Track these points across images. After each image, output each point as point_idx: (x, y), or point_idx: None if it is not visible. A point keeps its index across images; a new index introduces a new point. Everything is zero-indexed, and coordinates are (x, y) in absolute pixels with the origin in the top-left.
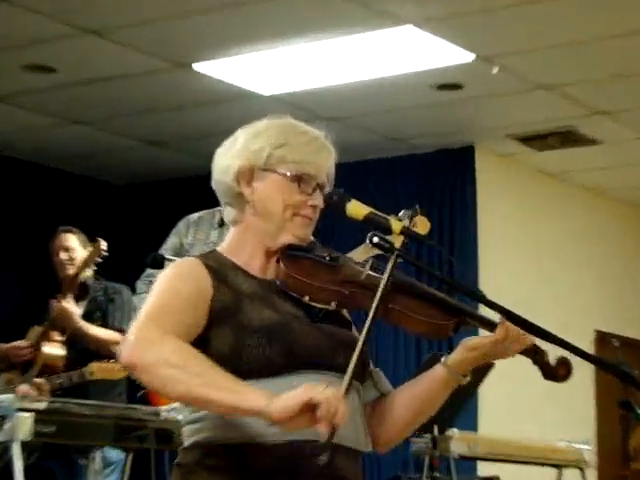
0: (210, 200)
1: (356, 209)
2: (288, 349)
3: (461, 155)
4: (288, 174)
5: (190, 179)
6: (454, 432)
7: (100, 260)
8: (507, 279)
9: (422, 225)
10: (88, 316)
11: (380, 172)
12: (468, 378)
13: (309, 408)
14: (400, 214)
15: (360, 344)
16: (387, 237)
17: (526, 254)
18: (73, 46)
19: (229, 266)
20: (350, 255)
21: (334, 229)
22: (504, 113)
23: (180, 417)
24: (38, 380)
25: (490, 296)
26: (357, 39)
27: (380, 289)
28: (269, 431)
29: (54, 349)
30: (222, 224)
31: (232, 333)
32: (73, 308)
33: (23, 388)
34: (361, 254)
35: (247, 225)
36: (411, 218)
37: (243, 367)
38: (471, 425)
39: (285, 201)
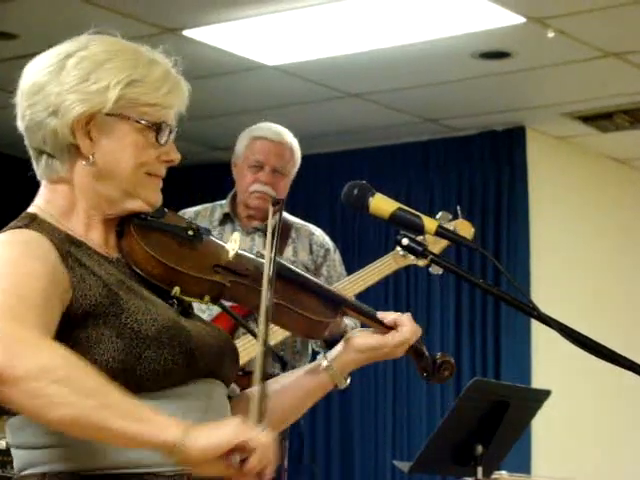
0: (206, 192)
1: (381, 205)
2: (190, 357)
3: (509, 138)
4: (144, 122)
5: (182, 168)
6: (502, 475)
7: None
8: (564, 287)
9: (465, 229)
10: None
11: (411, 159)
12: (348, 382)
13: (232, 451)
14: (438, 216)
15: (261, 361)
16: (419, 238)
17: (588, 257)
18: (39, 7)
19: (69, 241)
20: (377, 265)
21: (354, 229)
22: (561, 87)
23: (11, 441)
24: None
25: (546, 308)
26: None
27: (267, 274)
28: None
29: None
30: (223, 222)
31: (119, 339)
32: None
33: None
34: (389, 264)
35: (78, 186)
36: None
37: (133, 381)
38: (523, 466)
39: (138, 157)
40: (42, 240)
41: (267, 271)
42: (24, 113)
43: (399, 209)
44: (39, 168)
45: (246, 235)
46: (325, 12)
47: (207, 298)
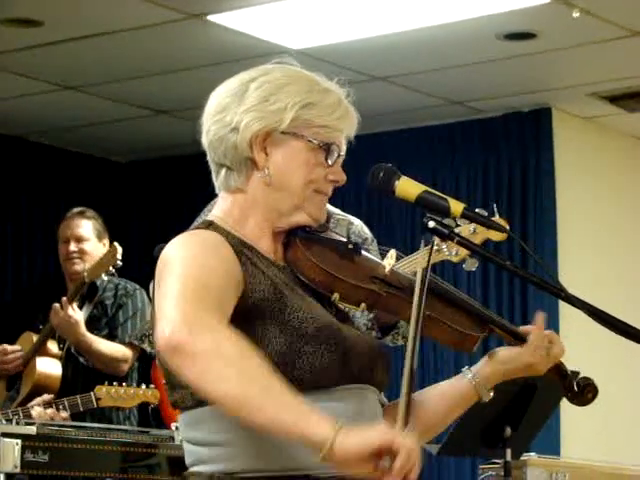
0: None
1: (407, 188)
2: (345, 359)
3: (535, 119)
4: (315, 142)
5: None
6: (532, 457)
7: (113, 270)
8: (591, 268)
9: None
10: (92, 323)
11: (437, 141)
12: (492, 394)
13: (379, 453)
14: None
15: (409, 368)
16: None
17: (615, 237)
18: None
19: (242, 244)
20: (410, 259)
21: (381, 213)
22: (587, 67)
23: (182, 435)
24: (48, 397)
25: (574, 290)
26: None
27: (418, 290)
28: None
29: (50, 366)
30: None
31: (282, 334)
32: (78, 316)
33: (38, 409)
34: (423, 258)
35: (252, 196)
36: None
37: (292, 376)
38: (552, 448)
39: (309, 174)
40: (218, 238)
41: (418, 289)
42: (208, 129)
43: (425, 192)
44: (218, 180)
45: None
46: None
47: (363, 306)
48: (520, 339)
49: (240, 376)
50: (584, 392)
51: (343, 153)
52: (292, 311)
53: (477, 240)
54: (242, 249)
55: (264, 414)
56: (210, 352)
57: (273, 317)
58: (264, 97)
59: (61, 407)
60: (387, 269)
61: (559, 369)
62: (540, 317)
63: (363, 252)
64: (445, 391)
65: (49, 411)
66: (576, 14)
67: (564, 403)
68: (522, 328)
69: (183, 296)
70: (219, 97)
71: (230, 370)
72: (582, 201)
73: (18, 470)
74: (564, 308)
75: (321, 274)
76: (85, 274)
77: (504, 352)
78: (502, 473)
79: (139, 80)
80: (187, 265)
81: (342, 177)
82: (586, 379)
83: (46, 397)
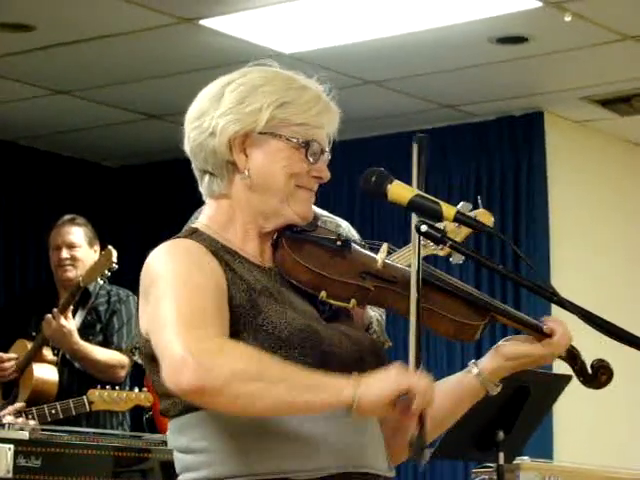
0: None
1: (399, 192)
2: (321, 361)
3: (528, 123)
4: (294, 140)
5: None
6: (524, 461)
7: (108, 273)
8: (584, 272)
9: (485, 219)
10: (86, 329)
11: (429, 145)
12: (500, 388)
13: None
14: (458, 207)
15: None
16: (438, 225)
17: (607, 241)
18: None
19: (225, 251)
20: (397, 255)
21: (373, 217)
22: (579, 71)
23: (170, 443)
24: (19, 405)
25: (566, 294)
26: None
27: (414, 282)
28: (303, 463)
29: (47, 372)
30: None
31: (255, 341)
32: (71, 325)
33: (8, 418)
34: (410, 254)
35: (237, 200)
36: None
37: None
38: (545, 452)
39: (289, 169)
40: (199, 247)
41: (414, 281)
42: (189, 136)
43: (417, 196)
44: (203, 187)
45: None
46: None
47: (353, 302)
48: (535, 330)
49: (268, 385)
50: (598, 374)
51: (327, 150)
52: (266, 317)
53: (463, 233)
54: (223, 255)
55: (298, 407)
56: (232, 379)
57: (247, 324)
58: (239, 99)
59: (30, 416)
60: (379, 263)
61: (570, 352)
62: (563, 323)
63: (354, 247)
64: (452, 387)
65: (19, 420)
66: (568, 18)
67: (557, 406)
68: (548, 319)
69: (181, 326)
70: (199, 103)
71: (258, 385)
72: (574, 204)
73: (11, 475)
74: (556, 311)
75: (306, 273)
76: (80, 279)
77: (513, 348)
78: (495, 477)
79: (132, 85)
80: (177, 286)
81: (326, 174)
82: (600, 361)
83: (17, 405)
